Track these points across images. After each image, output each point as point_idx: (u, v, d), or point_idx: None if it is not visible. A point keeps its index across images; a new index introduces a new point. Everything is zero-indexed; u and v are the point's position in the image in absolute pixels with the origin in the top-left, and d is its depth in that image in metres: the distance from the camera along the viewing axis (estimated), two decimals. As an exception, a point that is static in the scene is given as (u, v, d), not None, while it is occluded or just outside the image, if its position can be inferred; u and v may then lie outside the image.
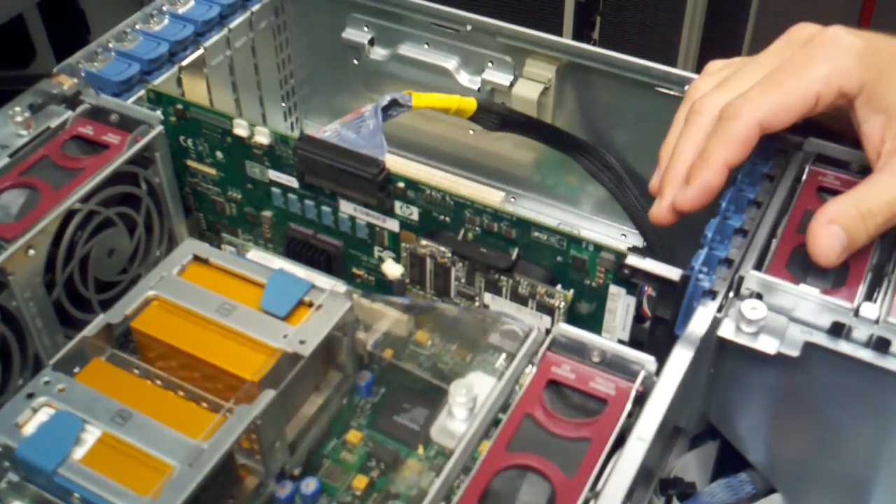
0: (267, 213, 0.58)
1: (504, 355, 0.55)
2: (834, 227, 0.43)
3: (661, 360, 0.49)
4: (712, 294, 0.46)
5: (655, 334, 0.49)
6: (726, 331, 0.45)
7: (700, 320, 0.45)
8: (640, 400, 0.41)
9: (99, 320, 0.49)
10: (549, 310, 0.50)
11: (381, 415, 0.52)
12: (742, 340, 0.44)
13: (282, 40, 0.68)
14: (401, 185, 0.51)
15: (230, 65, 0.63)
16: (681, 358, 0.43)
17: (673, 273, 0.46)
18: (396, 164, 0.62)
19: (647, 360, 0.42)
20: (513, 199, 0.69)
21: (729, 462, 0.52)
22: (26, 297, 0.48)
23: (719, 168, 0.46)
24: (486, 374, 0.44)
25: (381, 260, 0.56)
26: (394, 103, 0.53)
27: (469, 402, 0.41)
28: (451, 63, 0.64)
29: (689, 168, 0.48)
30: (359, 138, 0.53)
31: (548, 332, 0.51)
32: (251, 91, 0.67)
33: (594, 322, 0.51)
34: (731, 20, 0.99)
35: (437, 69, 0.64)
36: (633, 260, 0.47)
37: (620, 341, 0.51)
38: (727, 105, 0.47)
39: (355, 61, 0.67)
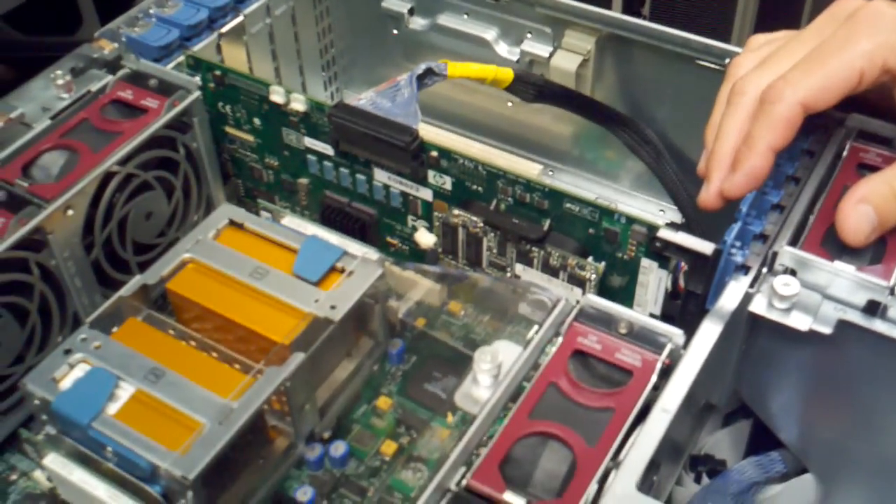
0: (303, 181, 0.58)
1: (536, 327, 0.55)
2: (864, 206, 0.43)
3: (692, 334, 0.49)
4: (745, 269, 0.45)
5: (687, 308, 0.49)
6: (758, 306, 0.44)
7: (731, 295, 0.44)
8: (667, 372, 0.41)
9: (135, 281, 0.49)
10: (579, 282, 0.50)
11: (412, 382, 0.53)
12: (774, 316, 0.43)
13: (322, 9, 0.68)
14: (434, 153, 0.51)
15: (270, 33, 0.64)
16: (709, 332, 0.42)
17: (705, 247, 0.46)
18: (432, 133, 0.62)
19: (675, 333, 0.42)
20: (550, 173, 0.69)
21: (762, 441, 0.51)
22: (65, 257, 0.49)
23: (765, 153, 0.46)
24: (512, 343, 0.43)
25: (414, 229, 0.56)
26: (429, 72, 0.53)
27: (493, 368, 0.41)
28: (489, 33, 0.63)
29: (734, 151, 0.47)
30: (394, 107, 0.53)
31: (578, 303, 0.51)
32: (291, 60, 0.67)
33: (625, 295, 0.50)
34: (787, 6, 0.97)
35: (476, 39, 0.64)
36: (665, 233, 0.46)
37: (652, 315, 0.51)
38: (769, 87, 0.46)
39: (395, 31, 0.67)
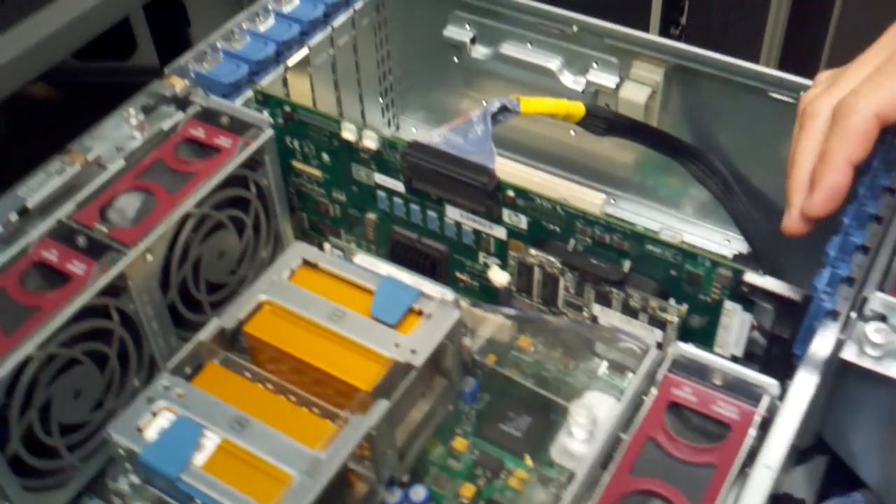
0: (371, 216, 0.58)
1: (606, 363, 0.54)
2: None
3: (777, 376, 0.49)
4: (834, 315, 0.44)
5: (772, 351, 0.48)
6: (849, 353, 0.43)
7: (823, 343, 0.43)
8: (764, 425, 0.40)
9: (213, 324, 0.49)
10: (660, 323, 0.50)
11: (486, 422, 0.52)
12: (866, 364, 0.43)
13: (382, 37, 0.67)
14: (510, 193, 0.51)
15: (332, 63, 0.63)
16: (806, 383, 0.42)
17: (795, 293, 0.45)
18: (501, 165, 0.61)
19: (770, 384, 0.42)
20: (612, 201, 0.68)
21: (837, 478, 0.50)
22: (144, 301, 0.49)
23: (842, 167, 0.45)
24: (603, 394, 0.43)
25: (486, 266, 0.56)
26: (503, 109, 0.52)
27: (589, 424, 0.41)
28: (554, 63, 0.63)
29: (811, 173, 0.46)
30: (466, 143, 0.52)
31: (659, 345, 0.51)
32: (351, 88, 0.67)
33: (707, 337, 0.50)
34: (815, 20, 0.96)
35: (539, 69, 0.63)
36: (752, 277, 0.46)
37: (734, 356, 0.50)
38: (840, 102, 0.45)
39: (455, 59, 0.67)
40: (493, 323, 0.57)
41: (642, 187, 0.67)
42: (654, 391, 0.41)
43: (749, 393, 0.41)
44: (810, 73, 0.53)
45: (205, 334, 0.49)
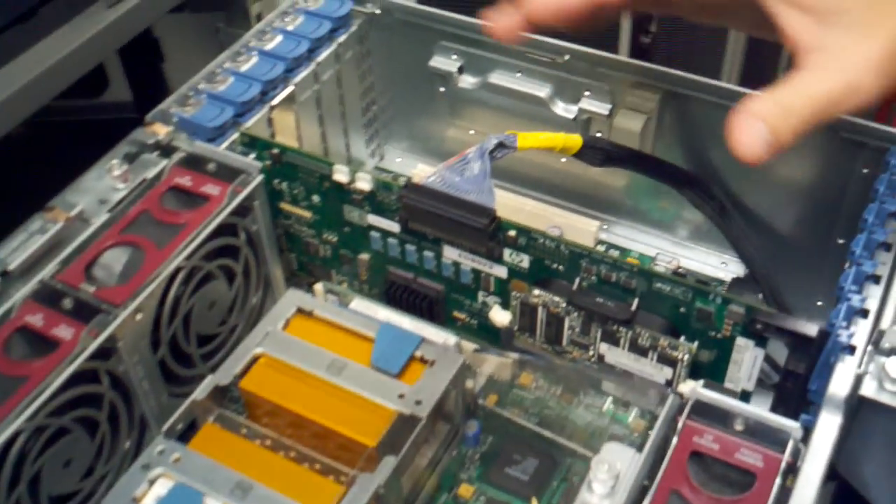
0: (364, 256, 0.56)
1: (610, 399, 0.53)
2: (754, 121, 0.41)
3: (792, 409, 0.47)
4: (850, 349, 0.43)
5: (786, 385, 0.47)
6: (868, 389, 0.43)
7: (841, 380, 0.42)
8: (790, 470, 0.39)
9: (208, 382, 0.47)
10: (670, 361, 0.48)
11: (492, 466, 0.51)
12: (886, 400, 0.42)
13: (366, 68, 0.66)
14: (512, 233, 0.49)
15: (317, 98, 0.62)
16: (829, 425, 0.41)
17: (810, 329, 0.44)
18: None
19: (792, 427, 0.40)
20: (605, 227, 0.67)
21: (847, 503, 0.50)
22: (134, 362, 0.46)
23: None
24: (621, 445, 0.42)
25: (485, 305, 0.54)
26: (499, 146, 0.51)
27: (611, 479, 0.39)
28: (544, 91, 0.61)
29: None
30: (463, 181, 0.51)
31: (668, 382, 0.50)
32: (335, 120, 0.65)
33: (717, 372, 0.49)
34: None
35: (529, 98, 0.62)
36: (766, 316, 0.45)
37: (744, 391, 0.49)
38: None
39: (442, 88, 0.65)
40: (492, 361, 0.55)
41: (635, 211, 0.66)
42: (674, 440, 0.40)
43: (773, 439, 0.40)
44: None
45: (200, 393, 0.47)
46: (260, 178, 0.51)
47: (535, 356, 0.53)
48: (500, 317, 0.53)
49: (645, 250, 0.65)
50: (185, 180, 0.51)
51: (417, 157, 0.72)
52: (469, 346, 0.52)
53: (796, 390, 0.46)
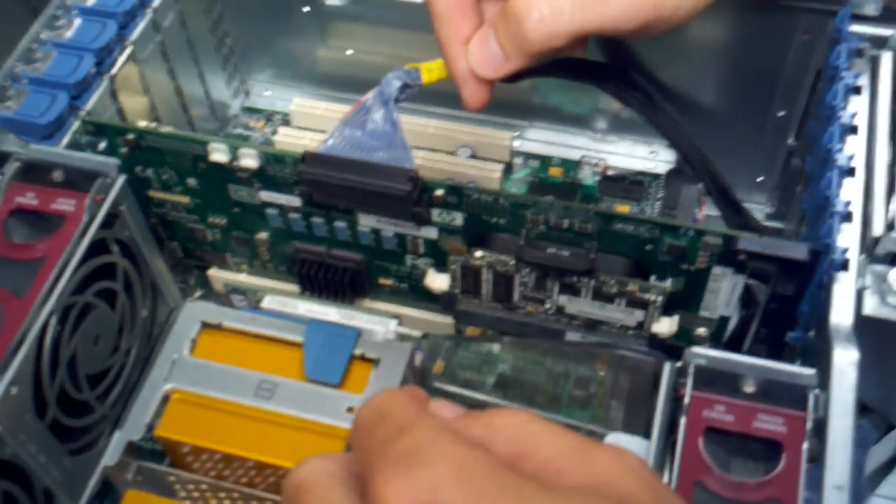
0: (262, 236, 0.48)
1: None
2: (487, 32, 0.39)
3: (779, 334, 0.43)
4: (845, 265, 0.39)
5: (770, 308, 0.42)
6: (870, 307, 0.38)
7: (842, 305, 0.38)
8: (816, 427, 0.35)
9: (116, 442, 0.40)
10: (641, 304, 0.43)
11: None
12: (892, 315, 0.38)
13: (210, -1, 0.55)
14: (439, 192, 0.42)
15: (163, 51, 0.51)
16: (847, 362, 0.36)
17: (799, 252, 0.39)
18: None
19: (808, 375, 0.35)
20: (516, 133, 0.59)
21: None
22: (21, 440, 0.38)
23: None
24: (626, 435, 0.36)
25: (415, 268, 0.47)
26: (403, 87, 0.42)
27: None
28: (427, -4, 0.52)
29: None
30: (367, 136, 0.42)
31: (640, 325, 0.44)
32: (188, 68, 0.55)
33: (690, 302, 0.43)
34: None
35: (412, 7, 0.53)
36: (747, 244, 0.39)
37: (722, 317, 0.44)
38: None
39: (306, 8, 0.55)
40: (434, 323, 0.49)
41: (547, 110, 0.59)
42: (682, 421, 0.35)
43: (790, 395, 0.35)
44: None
45: (110, 458, 0.39)
46: (121, 179, 0.42)
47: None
48: (438, 282, 0.46)
49: (567, 154, 0.59)
50: (29, 198, 0.41)
51: (288, 85, 0.62)
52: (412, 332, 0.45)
53: (785, 313, 0.42)
